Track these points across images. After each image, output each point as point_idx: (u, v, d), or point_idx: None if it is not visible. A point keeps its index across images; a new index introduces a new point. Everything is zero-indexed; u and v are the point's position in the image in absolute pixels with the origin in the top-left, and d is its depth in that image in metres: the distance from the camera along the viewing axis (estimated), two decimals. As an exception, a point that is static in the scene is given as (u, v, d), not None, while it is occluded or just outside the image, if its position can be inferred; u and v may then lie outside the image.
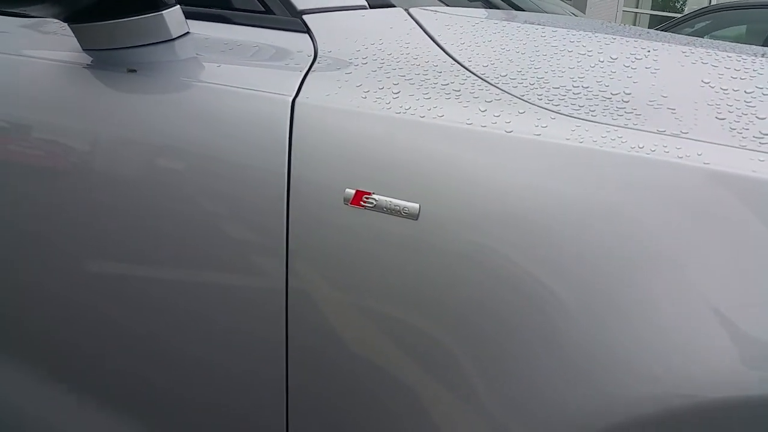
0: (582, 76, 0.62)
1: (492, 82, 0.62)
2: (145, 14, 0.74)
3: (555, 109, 0.58)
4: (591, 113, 0.57)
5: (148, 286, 0.73)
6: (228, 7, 0.81)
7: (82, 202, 0.77)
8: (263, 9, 0.77)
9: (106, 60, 0.77)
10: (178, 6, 0.77)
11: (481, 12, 0.87)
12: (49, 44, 0.86)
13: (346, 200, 0.61)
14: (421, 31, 0.71)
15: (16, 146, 0.82)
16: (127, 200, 0.73)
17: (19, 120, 0.82)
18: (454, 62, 0.66)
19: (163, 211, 0.71)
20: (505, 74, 0.63)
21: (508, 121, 0.58)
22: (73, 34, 0.78)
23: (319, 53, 0.71)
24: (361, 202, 0.60)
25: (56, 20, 0.77)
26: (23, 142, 0.82)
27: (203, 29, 0.79)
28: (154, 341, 0.75)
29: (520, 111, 0.59)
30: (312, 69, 0.69)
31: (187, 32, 0.78)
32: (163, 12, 0.75)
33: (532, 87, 0.61)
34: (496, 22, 0.76)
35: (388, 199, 0.59)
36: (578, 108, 0.58)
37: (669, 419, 0.49)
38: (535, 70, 0.63)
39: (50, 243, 0.80)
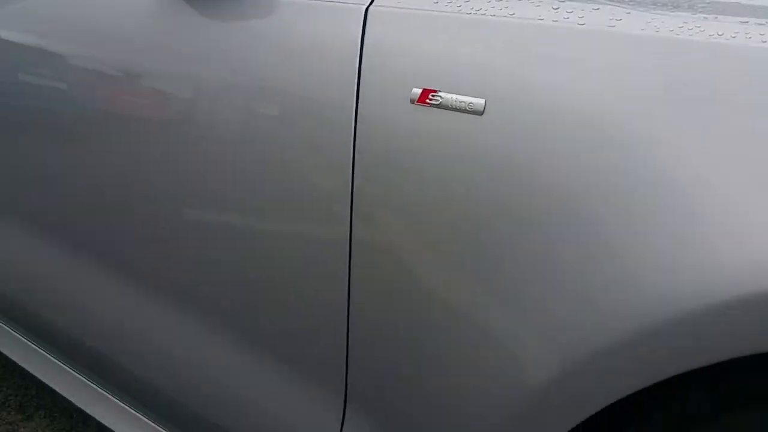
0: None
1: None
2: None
3: (630, 3, 0.57)
4: (668, 5, 0.55)
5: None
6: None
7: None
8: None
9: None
10: None
11: None
12: None
13: (412, 99, 0.62)
14: None
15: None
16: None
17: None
18: None
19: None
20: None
21: (581, 16, 0.57)
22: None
23: None
24: (427, 100, 0.61)
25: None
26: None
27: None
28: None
29: (594, 8, 0.57)
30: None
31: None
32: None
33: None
34: None
35: (454, 95, 0.59)
36: (654, 3, 0.56)
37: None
38: None
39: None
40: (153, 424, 0.97)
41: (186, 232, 0.85)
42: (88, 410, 1.03)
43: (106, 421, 1.00)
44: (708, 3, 0.58)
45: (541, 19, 0.58)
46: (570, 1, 0.59)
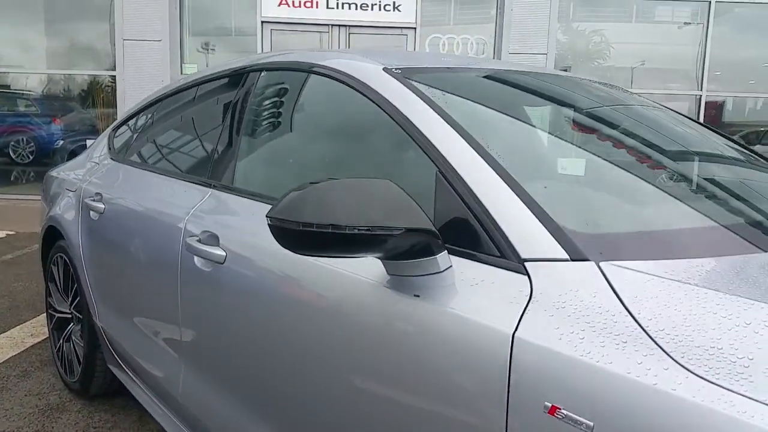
0: (719, 337, 0.87)
1: (652, 336, 0.91)
2: (427, 257, 1.17)
3: (690, 367, 0.85)
4: (715, 375, 0.83)
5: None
6: (475, 248, 1.19)
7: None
8: (499, 254, 1.14)
9: (401, 283, 1.21)
10: (446, 251, 1.18)
11: (668, 271, 1.06)
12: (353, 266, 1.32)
13: (545, 410, 0.94)
14: (608, 285, 1.01)
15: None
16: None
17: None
18: (627, 313, 0.95)
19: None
20: (662, 328, 0.91)
21: (655, 374, 0.86)
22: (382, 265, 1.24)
23: (534, 295, 1.05)
24: (555, 414, 0.93)
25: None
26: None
27: (459, 265, 1.18)
28: None
29: (665, 368, 0.86)
30: (527, 309, 1.03)
31: (450, 266, 1.18)
32: (436, 255, 1.17)
33: (681, 344, 0.88)
34: (679, 286, 0.99)
35: (573, 414, 0.91)
36: (708, 369, 0.84)
37: None
38: (692, 330, 0.89)
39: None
40: None
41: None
42: None
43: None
44: None
45: (628, 373, 0.88)
46: (650, 356, 0.88)
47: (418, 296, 1.17)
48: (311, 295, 1.40)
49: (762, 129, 8.79)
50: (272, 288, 1.52)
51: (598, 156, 1.57)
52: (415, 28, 7.60)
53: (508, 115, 1.67)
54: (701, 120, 7.85)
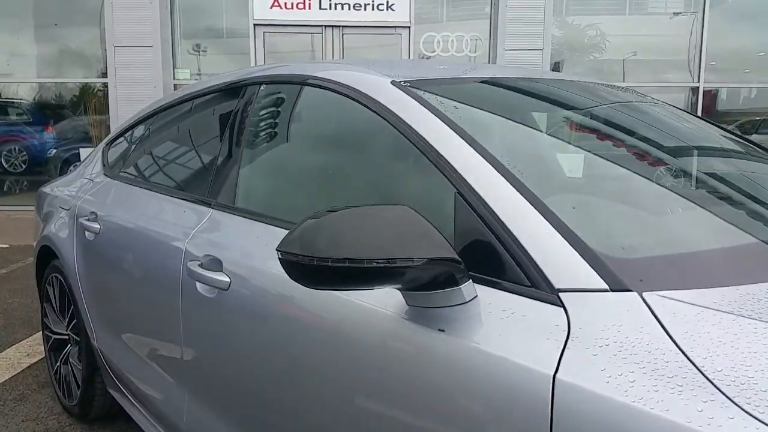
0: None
1: (710, 377, 0.82)
2: (451, 287, 1.08)
3: (759, 416, 0.76)
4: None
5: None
6: (500, 276, 1.10)
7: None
8: (529, 284, 1.05)
9: (422, 315, 1.12)
10: (470, 280, 1.09)
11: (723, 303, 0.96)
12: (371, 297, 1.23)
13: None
14: (654, 319, 0.92)
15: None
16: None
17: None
18: (678, 351, 0.87)
19: None
20: (720, 369, 0.82)
21: (720, 425, 0.77)
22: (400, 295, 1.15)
23: (572, 330, 0.96)
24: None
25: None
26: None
27: (484, 294, 1.10)
28: None
29: (730, 416, 0.78)
30: (567, 346, 0.95)
31: (475, 296, 1.10)
32: (461, 286, 1.08)
33: (744, 388, 0.79)
34: (733, 320, 0.90)
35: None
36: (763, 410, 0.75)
37: None
38: (754, 371, 0.81)
39: None
40: None
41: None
42: None
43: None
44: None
45: (689, 422, 0.79)
46: (711, 402, 0.80)
47: (443, 331, 1.08)
48: (324, 325, 1.31)
49: (758, 118, 8.75)
50: (281, 316, 1.43)
51: (628, 169, 1.48)
52: (409, 27, 7.51)
53: (527, 126, 1.58)
54: (699, 111, 7.79)
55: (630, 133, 1.73)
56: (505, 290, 1.08)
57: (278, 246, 1.04)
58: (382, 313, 1.19)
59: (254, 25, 7.49)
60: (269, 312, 1.46)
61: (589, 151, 1.53)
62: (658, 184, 1.43)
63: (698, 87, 8.04)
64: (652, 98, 2.03)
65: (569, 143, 1.57)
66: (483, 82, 1.75)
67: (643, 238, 1.21)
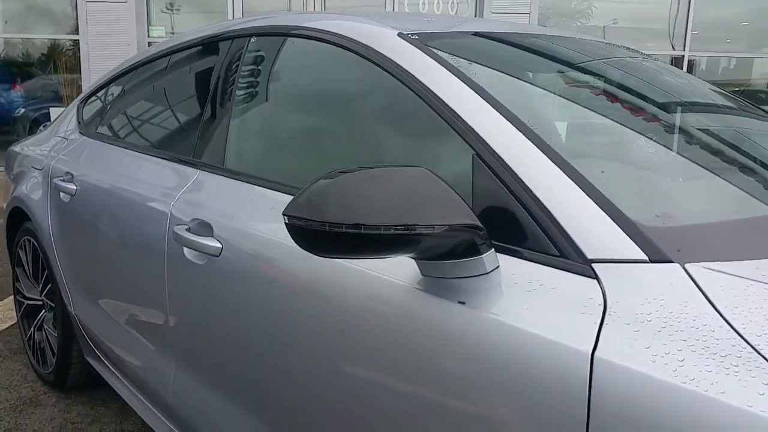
0: None
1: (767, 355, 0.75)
2: (472, 257, 0.99)
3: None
4: None
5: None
6: (524, 245, 1.01)
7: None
8: (558, 253, 0.97)
9: (438, 286, 1.03)
10: (493, 249, 1.00)
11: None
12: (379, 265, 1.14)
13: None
14: (700, 292, 0.84)
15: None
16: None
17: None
18: (730, 328, 0.79)
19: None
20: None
21: (783, 409, 0.70)
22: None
23: (608, 304, 0.88)
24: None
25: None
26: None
27: (506, 264, 1.01)
28: None
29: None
30: (604, 322, 0.86)
31: (497, 266, 1.01)
32: (483, 255, 0.99)
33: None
34: None
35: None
36: None
37: None
38: None
39: None
40: None
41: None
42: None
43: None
44: None
45: (750, 406, 0.72)
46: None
47: (463, 303, 0.99)
48: (325, 293, 1.22)
49: (736, 89, 8.75)
50: (277, 284, 1.33)
51: (656, 132, 1.39)
52: (393, -12, 7.30)
53: (547, 89, 1.48)
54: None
55: (653, 95, 1.64)
56: (529, 260, 1.00)
57: (285, 210, 0.94)
58: (392, 282, 1.10)
59: (232, -19, 7.21)
60: (264, 279, 1.36)
61: (610, 118, 1.44)
62: (690, 147, 1.35)
63: (683, 56, 7.99)
64: (665, 64, 1.94)
65: (589, 109, 1.47)
66: (500, 38, 1.63)
67: (677, 206, 1.12)
